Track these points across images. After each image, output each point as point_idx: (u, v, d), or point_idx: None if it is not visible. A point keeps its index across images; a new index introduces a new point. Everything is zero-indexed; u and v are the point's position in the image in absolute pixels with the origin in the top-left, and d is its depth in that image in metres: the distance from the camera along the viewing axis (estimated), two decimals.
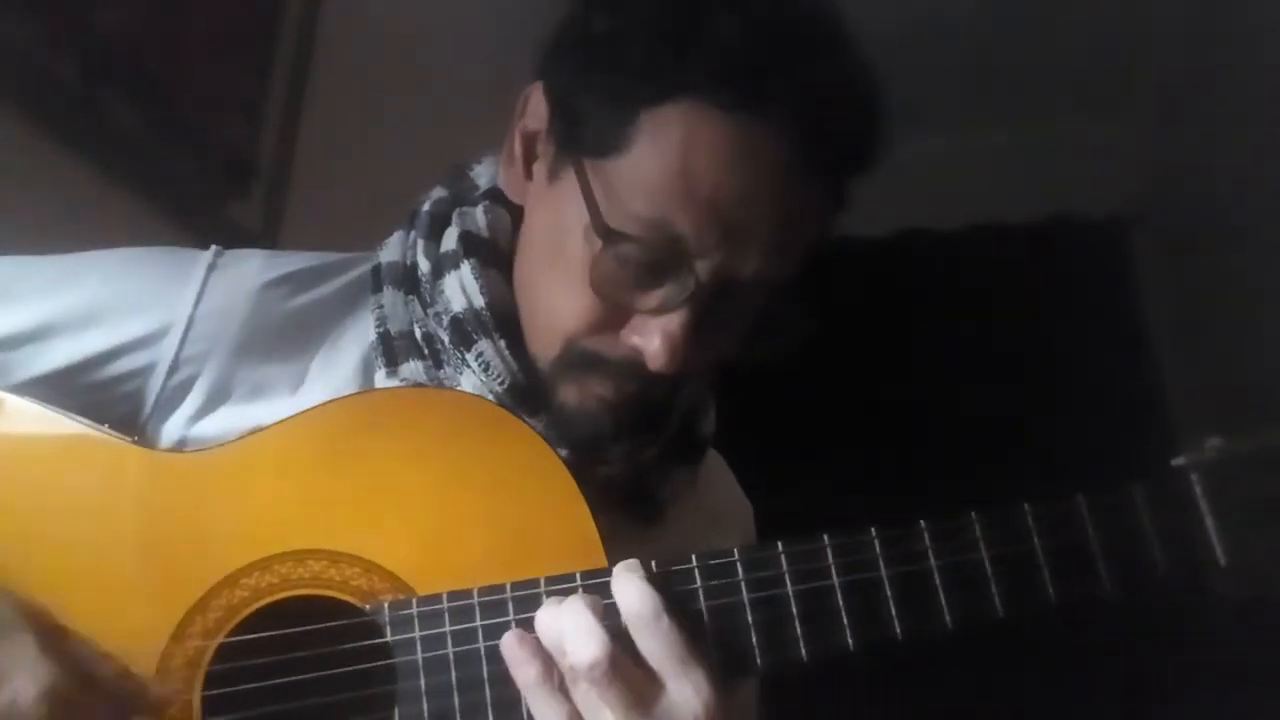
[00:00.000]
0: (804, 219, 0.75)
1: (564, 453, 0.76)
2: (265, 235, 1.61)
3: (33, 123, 1.24)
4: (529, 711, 0.65)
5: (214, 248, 0.85)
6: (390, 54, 1.83)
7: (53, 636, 0.64)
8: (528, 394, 0.78)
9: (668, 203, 0.70)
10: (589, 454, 0.78)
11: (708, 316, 0.73)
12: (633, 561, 0.67)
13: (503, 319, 0.79)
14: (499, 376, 0.78)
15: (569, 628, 0.64)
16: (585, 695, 0.63)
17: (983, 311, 2.60)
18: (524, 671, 0.64)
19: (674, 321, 0.72)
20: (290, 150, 1.67)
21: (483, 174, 0.87)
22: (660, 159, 0.70)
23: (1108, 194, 2.79)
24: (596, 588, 0.68)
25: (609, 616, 0.65)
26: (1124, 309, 2.75)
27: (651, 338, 0.72)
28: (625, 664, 0.63)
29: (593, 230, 0.72)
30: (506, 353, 0.78)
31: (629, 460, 0.81)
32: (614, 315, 0.74)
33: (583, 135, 0.74)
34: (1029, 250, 2.74)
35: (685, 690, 0.63)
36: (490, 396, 0.78)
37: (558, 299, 0.75)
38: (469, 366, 0.78)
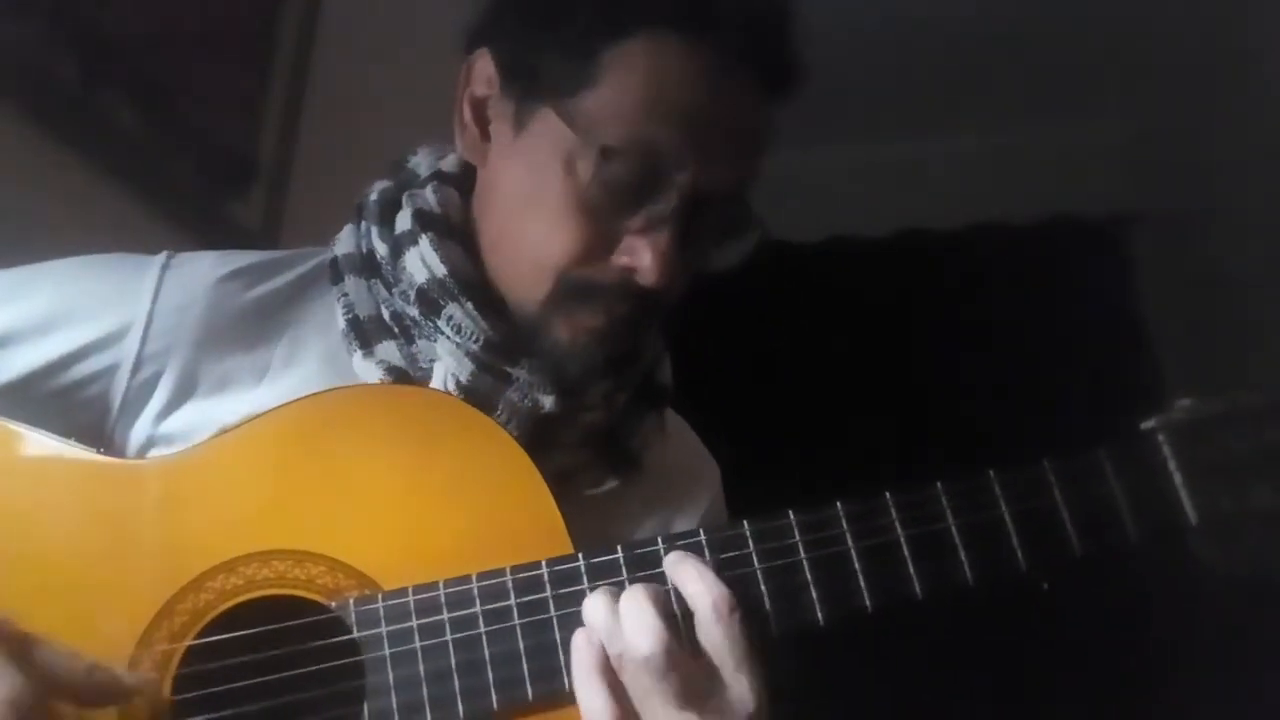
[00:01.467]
0: (757, 134, 0.82)
1: (550, 399, 0.79)
2: (265, 235, 1.61)
3: (33, 123, 1.24)
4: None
5: (165, 252, 0.86)
6: (390, 54, 1.83)
7: (17, 645, 0.64)
8: (503, 348, 0.81)
9: (644, 124, 0.76)
10: (576, 394, 0.81)
11: (688, 230, 0.78)
12: (687, 553, 0.69)
13: (466, 284, 0.81)
14: (473, 335, 0.80)
15: (627, 618, 0.65)
16: (635, 680, 0.65)
17: (982, 311, 2.59)
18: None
19: (662, 237, 0.77)
20: (290, 150, 1.67)
21: (421, 163, 0.90)
22: (632, 86, 0.76)
23: (1108, 194, 2.79)
24: (562, 575, 0.69)
25: (666, 602, 0.66)
26: (1123, 309, 2.74)
27: (643, 255, 0.77)
28: (682, 657, 0.65)
29: (587, 153, 0.76)
30: (475, 313, 0.80)
31: (607, 404, 0.84)
32: (602, 241, 0.78)
33: (545, 83, 0.79)
34: (1029, 250, 2.73)
35: (742, 687, 0.65)
36: (466, 357, 0.80)
37: (545, 234, 0.79)
38: (442, 333, 0.81)
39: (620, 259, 0.78)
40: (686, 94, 0.76)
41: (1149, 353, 2.70)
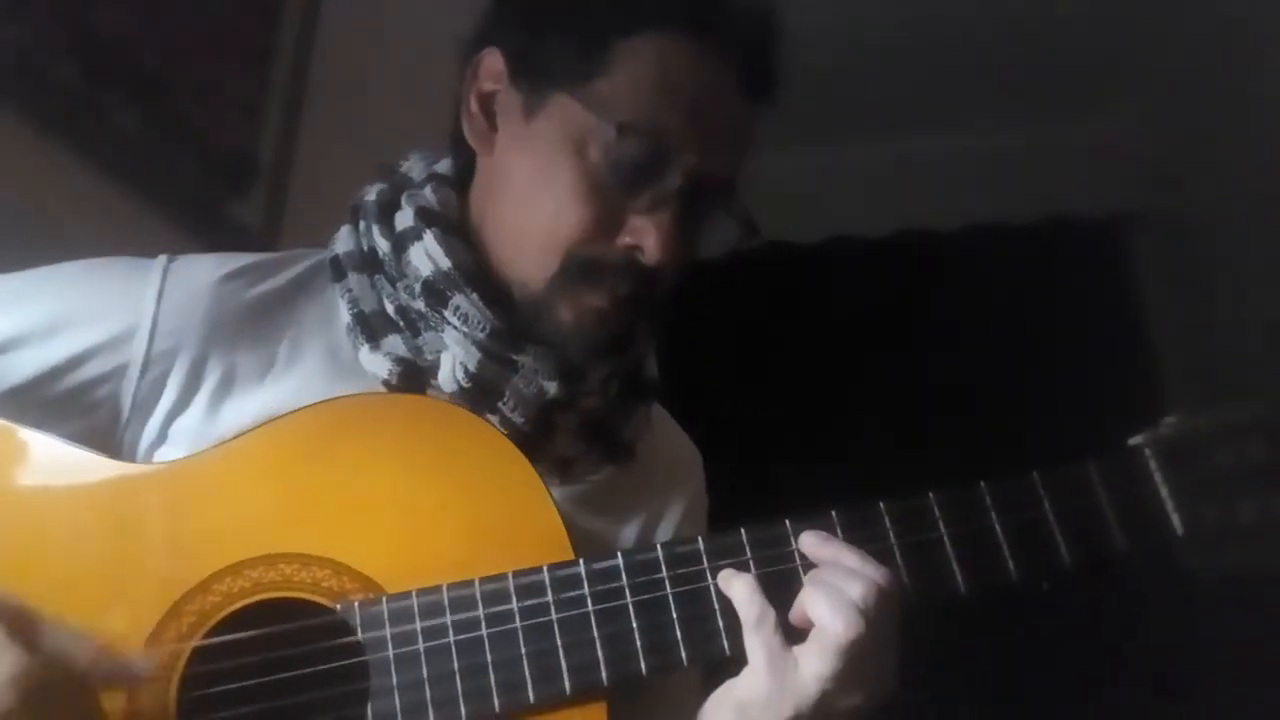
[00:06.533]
0: (747, 133, 0.88)
1: (554, 385, 0.82)
2: (265, 235, 1.61)
3: (33, 123, 1.24)
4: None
5: (164, 255, 0.88)
6: (390, 54, 1.83)
7: (22, 623, 0.65)
8: (508, 336, 0.83)
9: (653, 108, 0.81)
10: (577, 379, 0.84)
11: (687, 214, 0.82)
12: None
13: (470, 276, 0.84)
14: (479, 324, 0.83)
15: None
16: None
17: (982, 311, 2.59)
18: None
19: (666, 217, 0.81)
20: (290, 150, 1.67)
21: (414, 168, 0.93)
22: (644, 73, 0.82)
23: (1108, 194, 2.79)
24: (563, 580, 0.71)
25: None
26: (1123, 309, 2.74)
27: (648, 234, 0.81)
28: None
29: (601, 131, 0.81)
30: (480, 303, 0.83)
31: (604, 390, 0.87)
32: (610, 220, 0.82)
33: (557, 73, 0.84)
34: (1028, 250, 2.73)
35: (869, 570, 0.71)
36: (474, 346, 0.82)
37: (555, 213, 0.82)
38: (449, 323, 0.83)
39: (625, 239, 0.82)
40: (691, 85, 0.82)
41: (1148, 353, 2.70)
